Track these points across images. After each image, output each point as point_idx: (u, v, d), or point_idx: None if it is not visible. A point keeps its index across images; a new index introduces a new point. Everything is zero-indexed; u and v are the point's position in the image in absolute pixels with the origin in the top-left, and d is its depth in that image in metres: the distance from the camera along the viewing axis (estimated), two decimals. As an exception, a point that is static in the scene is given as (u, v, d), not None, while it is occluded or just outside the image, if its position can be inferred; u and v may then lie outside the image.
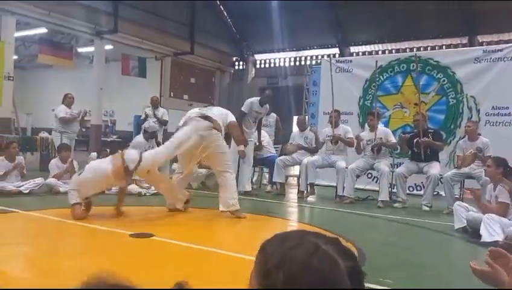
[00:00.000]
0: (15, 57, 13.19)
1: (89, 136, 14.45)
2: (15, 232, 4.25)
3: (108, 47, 15.04)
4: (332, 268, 0.73)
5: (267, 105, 7.20)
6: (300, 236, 0.78)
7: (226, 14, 18.61)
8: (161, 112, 9.29)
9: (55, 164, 6.69)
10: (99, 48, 14.38)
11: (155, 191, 6.58)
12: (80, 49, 17.02)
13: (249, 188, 7.01)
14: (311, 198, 7.00)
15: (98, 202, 4.88)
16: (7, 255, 3.28)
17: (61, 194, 6.24)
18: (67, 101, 8.48)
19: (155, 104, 9.39)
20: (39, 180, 6.35)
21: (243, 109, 6.99)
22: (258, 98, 7.10)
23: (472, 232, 4.45)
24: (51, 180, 6.45)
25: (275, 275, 0.71)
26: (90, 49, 15.58)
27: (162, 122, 9.18)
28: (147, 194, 6.54)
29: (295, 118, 11.91)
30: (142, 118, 9.39)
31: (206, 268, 3.13)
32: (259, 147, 7.42)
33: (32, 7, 11.64)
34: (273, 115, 8.69)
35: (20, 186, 6.10)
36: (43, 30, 14.48)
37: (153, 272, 2.93)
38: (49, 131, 9.75)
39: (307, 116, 9.03)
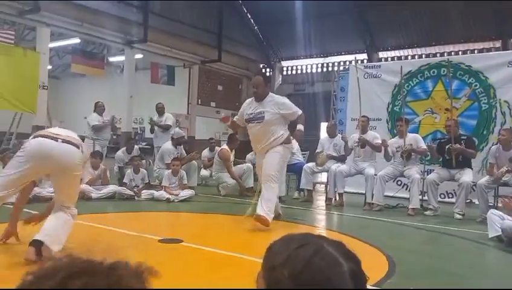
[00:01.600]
0: (49, 67, 13.64)
1: (119, 143, 14.76)
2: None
3: (138, 56, 15.36)
4: (334, 267, 0.76)
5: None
6: (305, 237, 0.84)
7: (252, 21, 18.74)
8: (165, 117, 9.19)
9: (87, 170, 6.85)
10: (129, 57, 14.71)
11: (184, 198, 6.67)
12: (110, 59, 17.46)
13: (282, 193, 6.90)
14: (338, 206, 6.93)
15: (127, 208, 4.98)
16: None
17: (93, 200, 6.41)
18: (98, 109, 8.72)
19: (160, 111, 9.30)
20: (72, 186, 6.51)
21: None
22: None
23: (508, 241, 4.30)
24: (83, 186, 6.61)
25: (280, 272, 0.76)
26: (121, 58, 15.95)
27: (164, 127, 9.04)
28: (175, 200, 6.62)
29: (323, 124, 11.83)
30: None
31: (234, 274, 3.13)
32: None
33: (66, 18, 12.02)
34: None
35: (53, 193, 6.26)
36: (76, 40, 14.94)
37: (182, 277, 2.96)
38: (82, 138, 9.99)
39: (336, 123, 8.95)
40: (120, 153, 8.40)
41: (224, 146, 8.33)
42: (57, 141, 3.11)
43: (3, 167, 5.89)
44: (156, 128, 9.12)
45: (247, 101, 5.18)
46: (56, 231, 3.20)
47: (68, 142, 3.14)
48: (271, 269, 0.78)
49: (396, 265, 3.31)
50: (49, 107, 11.60)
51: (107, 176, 6.99)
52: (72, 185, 3.34)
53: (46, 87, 11.39)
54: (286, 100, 5.09)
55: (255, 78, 5.19)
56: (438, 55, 14.43)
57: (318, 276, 0.75)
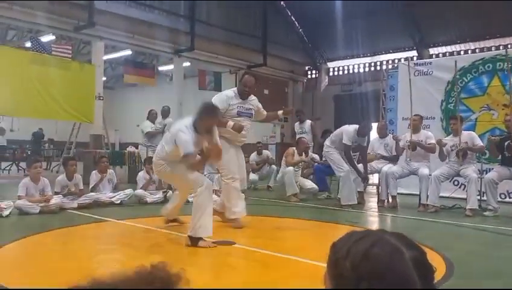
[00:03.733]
0: (104, 78, 14.27)
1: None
2: (109, 239, 4.60)
3: (186, 64, 15.76)
4: (393, 255, 0.77)
5: (367, 137, 6.89)
6: (366, 231, 0.85)
7: (297, 24, 18.72)
8: (168, 122, 8.80)
9: (142, 176, 7.13)
10: (177, 66, 15.11)
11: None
12: (160, 68, 18.02)
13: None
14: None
15: (180, 211, 5.11)
16: (103, 260, 3.56)
17: (148, 204, 6.65)
18: (152, 116, 9.03)
19: (165, 114, 8.96)
20: (128, 191, 6.81)
21: (345, 142, 6.52)
22: (356, 127, 6.65)
23: None
24: (139, 191, 6.89)
25: (343, 265, 0.78)
26: (170, 67, 16.43)
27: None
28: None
29: (373, 125, 11.59)
30: (150, 130, 8.88)
31: (287, 275, 3.16)
32: None
33: (118, 31, 12.55)
34: (308, 121, 9.00)
35: (112, 197, 6.57)
36: (127, 52, 15.55)
37: (238, 279, 3.02)
38: (136, 145, 10.41)
39: (386, 123, 8.76)
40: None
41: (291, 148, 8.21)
42: None
43: (66, 175, 6.27)
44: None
45: (228, 94, 5.13)
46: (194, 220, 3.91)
47: None
48: (334, 263, 0.80)
49: (455, 267, 3.21)
50: (104, 116, 12.13)
51: (161, 181, 7.22)
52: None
53: (101, 98, 11.92)
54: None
55: (249, 78, 5.25)
56: (493, 48, 13.77)
57: (378, 265, 0.75)
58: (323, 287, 0.84)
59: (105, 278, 0.67)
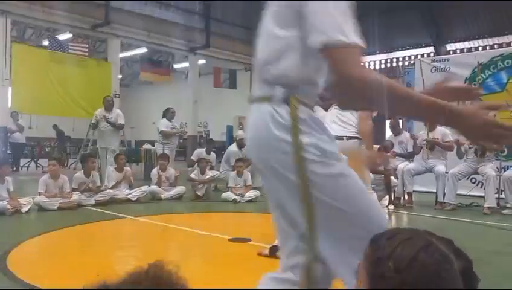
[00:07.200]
0: (120, 76, 14.43)
1: (186, 147, 15.28)
2: (126, 236, 4.66)
3: (201, 61, 15.82)
4: (442, 264, 0.73)
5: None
6: (412, 232, 0.80)
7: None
8: (115, 114, 8.07)
9: (155, 172, 7.19)
10: (193, 63, 15.19)
11: (249, 198, 6.79)
12: (175, 66, 18.12)
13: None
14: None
15: (196, 208, 5.16)
16: (120, 256, 3.61)
17: (163, 201, 6.72)
18: (170, 114, 9.01)
19: (108, 105, 8.09)
20: (144, 188, 6.87)
21: None
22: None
23: None
24: (154, 187, 6.95)
25: (385, 265, 0.74)
26: (185, 64, 16.51)
27: (117, 127, 8.06)
28: (241, 201, 6.74)
29: (387, 122, 11.46)
30: (92, 121, 8.24)
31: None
32: None
33: (133, 29, 12.66)
34: None
35: (128, 194, 6.65)
36: (143, 50, 15.68)
37: (249, 275, 3.02)
38: (152, 143, 10.50)
39: (400, 120, 8.67)
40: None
41: None
42: None
43: (84, 172, 6.36)
44: (103, 126, 7.97)
45: None
46: None
47: None
48: (376, 261, 0.76)
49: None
50: (120, 114, 12.22)
51: (175, 178, 7.26)
52: None
53: (118, 96, 12.03)
54: None
55: None
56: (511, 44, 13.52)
57: (425, 272, 0.72)
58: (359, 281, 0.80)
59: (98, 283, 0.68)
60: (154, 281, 0.69)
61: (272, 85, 1.22)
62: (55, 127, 15.32)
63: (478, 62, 7.41)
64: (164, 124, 8.90)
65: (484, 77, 7.91)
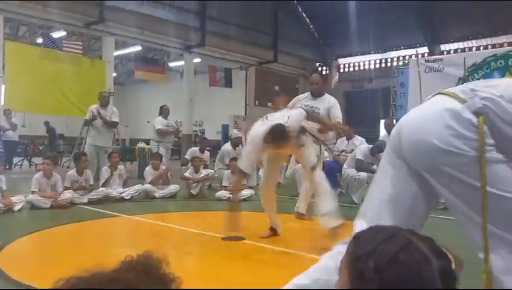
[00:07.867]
0: (114, 74, 14.38)
1: (181, 145, 15.25)
2: (120, 235, 4.65)
3: (197, 60, 15.80)
4: (422, 264, 0.73)
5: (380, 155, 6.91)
6: (394, 230, 0.80)
7: (308, 20, 18.65)
8: (110, 111, 7.87)
9: (148, 171, 7.17)
10: (188, 62, 15.17)
11: (244, 197, 6.77)
12: (170, 64, 18.09)
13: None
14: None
15: (189, 207, 5.16)
16: (113, 254, 3.59)
17: (156, 199, 6.70)
18: (164, 112, 9.01)
19: (104, 101, 7.87)
20: (138, 187, 6.86)
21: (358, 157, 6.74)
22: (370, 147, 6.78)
23: None
24: (147, 186, 6.93)
25: (365, 263, 0.73)
26: (180, 63, 16.50)
27: (110, 125, 7.85)
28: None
29: (382, 121, 11.55)
30: (86, 118, 7.91)
31: (296, 272, 3.15)
32: None
33: (128, 27, 12.62)
34: None
35: (122, 193, 6.62)
36: (137, 48, 15.63)
37: (243, 274, 3.02)
38: (146, 141, 10.48)
39: (394, 120, 8.71)
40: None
41: None
42: None
43: (77, 170, 6.34)
44: (98, 123, 7.70)
45: (304, 94, 5.22)
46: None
47: None
48: (355, 259, 0.76)
49: (463, 265, 3.18)
50: (115, 112, 12.18)
51: (168, 177, 7.25)
52: None
53: (112, 94, 11.98)
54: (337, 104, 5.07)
55: (313, 76, 5.22)
56: (505, 45, 13.59)
57: (405, 272, 0.71)
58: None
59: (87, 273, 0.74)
60: (145, 266, 0.77)
61: None
62: (46, 123, 15.21)
63: (465, 62, 7.43)
64: (159, 122, 8.89)
65: (477, 76, 7.96)
